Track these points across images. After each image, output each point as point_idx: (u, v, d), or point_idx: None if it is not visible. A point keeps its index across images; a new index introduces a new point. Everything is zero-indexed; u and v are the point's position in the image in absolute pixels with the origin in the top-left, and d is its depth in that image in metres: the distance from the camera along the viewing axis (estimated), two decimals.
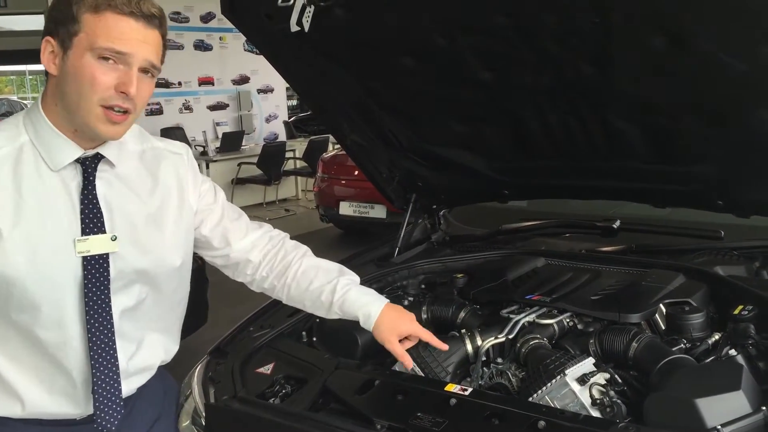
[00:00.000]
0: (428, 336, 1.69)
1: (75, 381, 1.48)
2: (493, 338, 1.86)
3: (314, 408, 1.66)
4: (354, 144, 2.48)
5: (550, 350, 1.78)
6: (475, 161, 2.39)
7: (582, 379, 1.57)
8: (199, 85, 11.74)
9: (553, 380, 1.58)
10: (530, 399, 1.59)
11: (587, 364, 1.62)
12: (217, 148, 10.41)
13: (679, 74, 1.74)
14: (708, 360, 1.67)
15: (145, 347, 1.57)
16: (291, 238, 1.80)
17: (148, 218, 1.52)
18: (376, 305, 1.65)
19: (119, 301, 1.48)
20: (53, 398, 1.48)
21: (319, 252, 1.79)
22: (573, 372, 1.58)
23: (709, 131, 1.88)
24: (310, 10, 1.91)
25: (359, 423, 1.55)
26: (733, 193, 2.05)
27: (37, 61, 1.41)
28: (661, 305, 1.88)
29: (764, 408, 1.37)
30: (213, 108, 11.99)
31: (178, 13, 11.16)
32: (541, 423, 1.43)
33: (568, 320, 1.92)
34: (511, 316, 1.93)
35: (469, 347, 1.84)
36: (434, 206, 2.73)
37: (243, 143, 10.95)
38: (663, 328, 1.86)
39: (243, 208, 1.78)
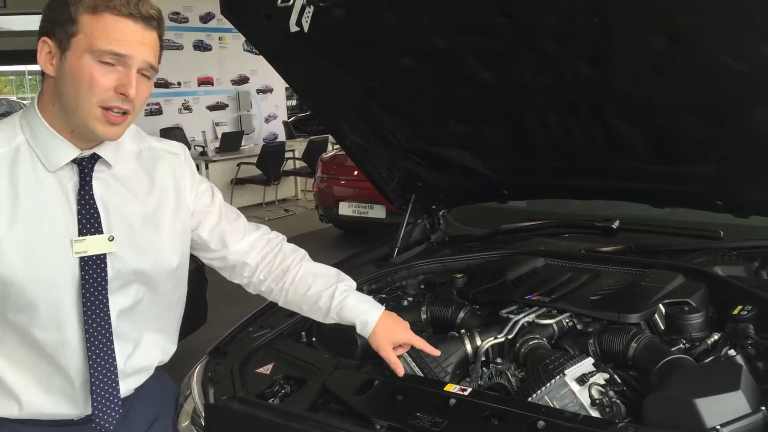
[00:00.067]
0: (422, 343, 1.71)
1: (73, 381, 1.48)
2: (492, 338, 1.86)
3: (314, 408, 1.66)
4: (353, 144, 2.48)
5: (549, 350, 1.78)
6: (475, 161, 2.39)
7: (581, 379, 1.57)
8: (199, 85, 11.74)
9: (553, 380, 1.58)
10: (529, 399, 1.59)
11: (586, 365, 1.62)
12: (216, 148, 10.41)
13: (679, 74, 1.74)
14: (707, 360, 1.67)
15: (143, 347, 1.57)
16: (290, 238, 1.80)
17: (145, 218, 1.52)
18: (374, 313, 1.68)
19: (117, 302, 1.48)
20: (51, 398, 1.48)
21: (318, 252, 1.79)
22: (572, 372, 1.58)
23: (708, 131, 1.88)
24: (309, 11, 1.91)
25: (359, 423, 1.55)
26: (732, 193, 2.05)
27: (36, 61, 1.40)
28: (660, 305, 1.88)
29: (763, 408, 1.38)
30: (212, 108, 11.99)
31: (178, 14, 11.16)
32: (541, 423, 1.43)
33: (567, 320, 1.92)
34: (511, 316, 1.94)
35: (469, 347, 1.85)
36: (434, 206, 2.73)
37: (242, 143, 10.96)
38: (662, 328, 1.86)
39: (242, 209, 1.78)
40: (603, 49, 1.75)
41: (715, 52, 1.62)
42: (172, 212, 1.57)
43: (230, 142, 10.57)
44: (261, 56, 2.26)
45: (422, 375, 1.76)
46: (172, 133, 10.29)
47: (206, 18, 11.54)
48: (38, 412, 1.49)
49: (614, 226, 2.42)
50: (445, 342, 1.87)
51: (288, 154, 10.66)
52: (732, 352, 1.63)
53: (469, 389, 1.62)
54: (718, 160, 1.96)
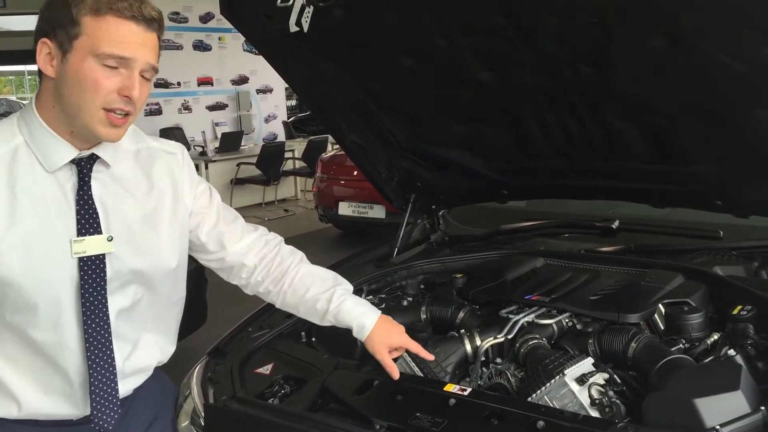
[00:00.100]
0: (417, 347, 1.72)
1: (72, 381, 1.48)
2: (492, 338, 1.86)
3: (313, 408, 1.66)
4: (353, 144, 2.48)
5: (549, 350, 1.78)
6: (475, 161, 2.39)
7: (581, 379, 1.57)
8: (198, 85, 11.74)
9: (552, 380, 1.58)
10: (529, 399, 1.59)
11: (586, 364, 1.62)
12: (216, 148, 10.41)
13: (679, 74, 1.74)
14: (707, 360, 1.67)
15: (142, 348, 1.57)
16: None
17: (144, 219, 1.52)
18: (371, 317, 1.69)
19: (116, 302, 1.48)
20: (50, 399, 1.48)
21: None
22: (572, 372, 1.58)
23: (708, 131, 1.88)
24: (309, 11, 1.91)
25: (358, 423, 1.55)
26: (731, 193, 2.05)
27: (36, 61, 1.40)
28: (660, 305, 1.88)
29: (763, 408, 1.38)
30: (212, 108, 11.99)
31: (177, 14, 11.16)
32: (540, 423, 1.43)
33: (567, 320, 1.92)
34: (510, 316, 1.94)
35: (468, 347, 1.85)
36: (433, 206, 2.73)
37: (242, 143, 10.95)
38: (662, 328, 1.86)
39: (242, 209, 1.78)
40: (603, 49, 1.75)
41: (715, 52, 1.62)
42: (170, 212, 1.57)
43: (230, 142, 10.56)
44: (261, 56, 2.26)
45: (422, 375, 1.76)
46: (172, 133, 10.29)
47: (206, 18, 11.54)
48: (37, 413, 1.49)
49: (614, 226, 2.42)
50: (444, 342, 1.87)
51: (288, 154, 10.66)
52: (731, 352, 1.63)
53: (469, 389, 1.62)
54: (717, 160, 1.97)
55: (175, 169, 1.60)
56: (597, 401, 1.54)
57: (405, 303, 2.25)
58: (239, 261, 1.69)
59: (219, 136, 11.06)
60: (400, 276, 2.41)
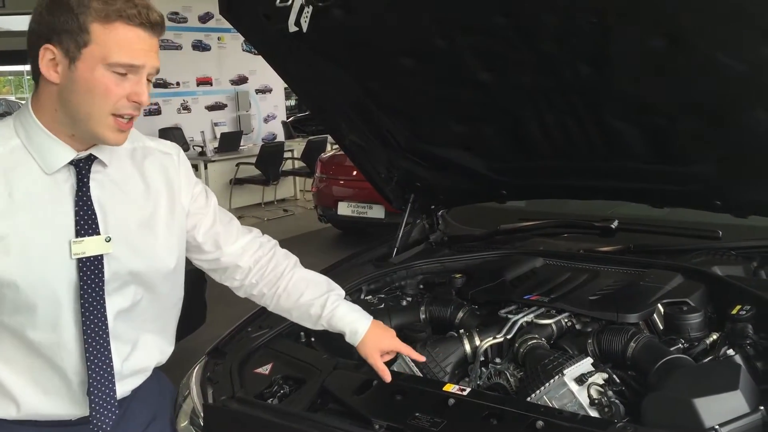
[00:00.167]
0: (408, 350, 1.73)
1: (70, 382, 1.47)
2: (491, 338, 1.86)
3: (312, 408, 1.66)
4: (352, 144, 2.48)
5: (548, 350, 1.78)
6: (474, 161, 2.39)
7: (580, 379, 1.57)
8: (198, 85, 11.74)
9: (552, 380, 1.58)
10: (528, 399, 1.59)
11: (585, 364, 1.62)
12: (215, 148, 10.39)
13: (678, 74, 1.74)
14: (706, 360, 1.67)
15: (140, 349, 1.57)
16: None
17: (141, 219, 1.52)
18: (363, 323, 1.70)
19: (114, 303, 1.47)
20: (48, 399, 1.48)
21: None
22: (571, 372, 1.58)
23: (707, 132, 1.88)
24: (308, 11, 1.90)
25: (357, 423, 1.55)
26: (730, 193, 2.05)
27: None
28: (659, 305, 1.88)
29: (762, 408, 1.38)
30: (211, 108, 11.99)
31: (177, 14, 11.16)
32: (540, 423, 1.43)
33: (566, 320, 1.92)
34: (510, 316, 1.94)
35: (468, 347, 1.85)
36: (432, 206, 2.73)
37: (241, 143, 10.93)
38: (661, 328, 1.86)
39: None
40: (602, 50, 1.75)
41: (715, 52, 1.62)
42: (167, 213, 1.57)
43: (229, 142, 10.55)
44: (260, 56, 2.26)
45: (421, 375, 1.76)
46: (171, 133, 10.29)
47: (205, 18, 11.53)
48: (36, 413, 1.48)
49: (613, 226, 2.42)
50: (443, 342, 1.87)
51: (287, 154, 10.65)
52: (731, 351, 1.63)
53: (468, 389, 1.62)
54: (717, 161, 1.97)
55: (171, 169, 1.59)
56: (596, 401, 1.54)
57: (404, 303, 2.25)
58: (234, 262, 1.69)
59: (218, 136, 11.05)
60: (399, 276, 2.41)
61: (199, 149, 10.04)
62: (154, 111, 10.92)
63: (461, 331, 1.91)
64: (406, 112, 2.30)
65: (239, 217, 1.80)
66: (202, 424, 1.73)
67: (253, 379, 1.81)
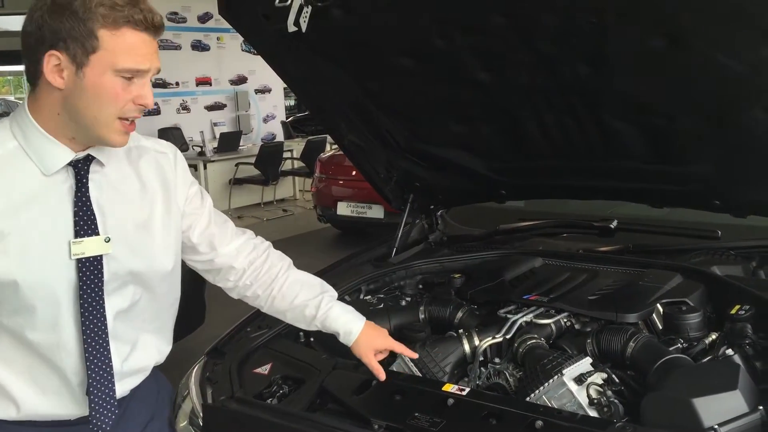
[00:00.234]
0: (401, 348, 1.76)
1: (70, 382, 1.47)
2: (490, 338, 1.86)
3: (312, 408, 1.66)
4: (351, 144, 2.48)
5: (547, 350, 1.78)
6: (473, 161, 2.39)
7: (579, 379, 1.57)
8: (197, 85, 11.73)
9: (551, 380, 1.58)
10: (528, 399, 1.59)
11: (584, 364, 1.63)
12: (214, 148, 10.38)
13: (678, 75, 1.74)
14: (705, 360, 1.67)
15: (139, 348, 1.57)
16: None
17: (138, 219, 1.52)
18: (357, 323, 1.72)
19: (113, 303, 1.48)
20: (48, 399, 1.48)
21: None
22: (570, 372, 1.59)
23: (707, 131, 1.88)
24: (307, 11, 1.90)
25: (357, 423, 1.55)
26: (730, 193, 2.06)
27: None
28: (658, 305, 1.88)
29: (761, 407, 1.38)
30: (210, 108, 11.98)
31: (176, 14, 11.15)
32: (539, 423, 1.43)
33: (565, 320, 1.92)
34: (509, 316, 1.94)
35: (467, 347, 1.85)
36: (432, 206, 2.73)
37: (241, 143, 10.93)
38: (660, 327, 1.86)
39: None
40: (602, 50, 1.75)
41: (714, 52, 1.62)
42: (164, 213, 1.57)
43: (228, 142, 10.55)
44: (259, 56, 2.26)
45: (420, 375, 1.76)
46: (171, 133, 10.28)
47: (204, 18, 11.52)
48: (35, 413, 1.48)
49: (612, 226, 2.42)
50: (443, 342, 1.87)
51: (286, 154, 10.64)
52: (730, 351, 1.63)
53: (468, 389, 1.62)
54: (716, 161, 1.97)
55: (166, 168, 1.59)
56: (595, 401, 1.54)
57: (403, 303, 2.25)
58: (228, 263, 1.69)
59: (217, 136, 11.04)
60: (398, 276, 2.41)
61: (199, 149, 10.04)
62: (154, 111, 10.88)
63: (460, 331, 1.91)
64: (405, 112, 2.30)
65: (238, 217, 1.80)
66: (201, 424, 1.73)
67: (252, 379, 1.81)
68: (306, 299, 1.72)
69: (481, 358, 1.82)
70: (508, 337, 1.86)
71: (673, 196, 2.21)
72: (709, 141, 1.91)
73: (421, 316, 2.11)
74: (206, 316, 4.20)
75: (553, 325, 1.89)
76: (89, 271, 1.42)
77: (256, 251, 1.73)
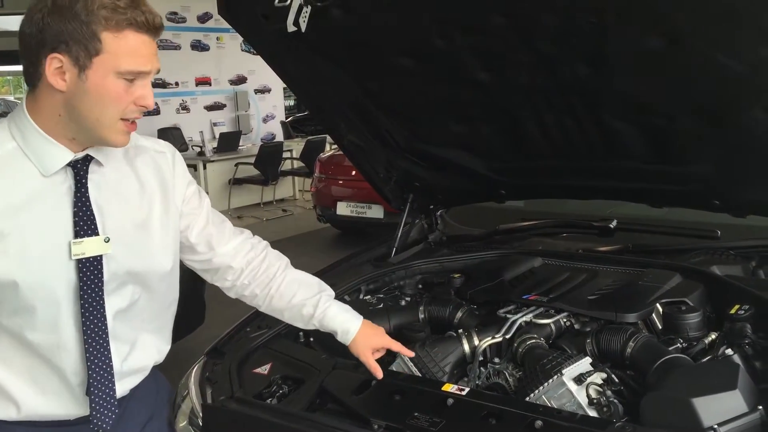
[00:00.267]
0: (398, 346, 1.76)
1: (70, 382, 1.48)
2: (490, 338, 1.86)
3: (311, 408, 1.66)
4: (351, 144, 2.48)
5: (547, 350, 1.78)
6: (473, 161, 2.39)
7: (579, 379, 1.57)
8: (196, 85, 11.73)
9: (550, 380, 1.58)
10: (527, 399, 1.59)
11: (584, 364, 1.62)
12: (214, 148, 10.38)
13: (677, 74, 1.74)
14: (704, 359, 1.67)
15: (139, 348, 1.57)
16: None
17: (137, 219, 1.52)
18: (355, 323, 1.73)
19: (113, 303, 1.48)
20: (48, 400, 1.48)
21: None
22: (570, 372, 1.58)
23: (706, 131, 1.88)
24: (307, 11, 1.90)
25: (356, 423, 1.55)
26: (729, 192, 2.06)
27: None
28: (657, 305, 1.88)
29: (761, 407, 1.38)
30: (210, 108, 11.98)
31: (175, 14, 11.15)
32: (538, 423, 1.43)
33: (565, 320, 1.92)
34: (508, 316, 1.94)
35: (466, 347, 1.85)
36: (431, 206, 2.73)
37: (240, 143, 10.93)
38: (660, 327, 1.86)
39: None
40: (601, 49, 1.75)
41: (714, 52, 1.62)
42: (162, 213, 1.57)
43: (228, 142, 10.55)
44: (259, 56, 2.26)
45: (420, 375, 1.76)
46: (170, 133, 10.28)
47: (204, 18, 11.52)
48: (35, 414, 1.48)
49: (612, 226, 2.42)
50: (442, 342, 1.87)
51: (286, 154, 10.64)
52: (729, 351, 1.63)
53: (467, 389, 1.62)
54: (716, 160, 1.97)
55: (165, 168, 1.59)
56: (595, 401, 1.54)
57: (403, 303, 2.25)
58: (226, 263, 1.69)
59: (217, 136, 11.04)
60: (398, 276, 2.41)
61: (198, 149, 10.04)
62: (153, 111, 10.73)
63: (460, 330, 1.91)
64: (404, 112, 2.30)
65: (238, 217, 1.81)
66: (200, 424, 1.73)
67: (251, 379, 1.81)
68: (304, 298, 1.72)
69: (481, 358, 1.82)
70: (507, 337, 1.86)
71: (673, 196, 2.21)
72: (709, 141, 1.91)
73: (421, 316, 2.11)
74: (206, 316, 4.20)
75: (552, 325, 1.89)
76: (89, 272, 1.43)
77: (254, 251, 1.73)
